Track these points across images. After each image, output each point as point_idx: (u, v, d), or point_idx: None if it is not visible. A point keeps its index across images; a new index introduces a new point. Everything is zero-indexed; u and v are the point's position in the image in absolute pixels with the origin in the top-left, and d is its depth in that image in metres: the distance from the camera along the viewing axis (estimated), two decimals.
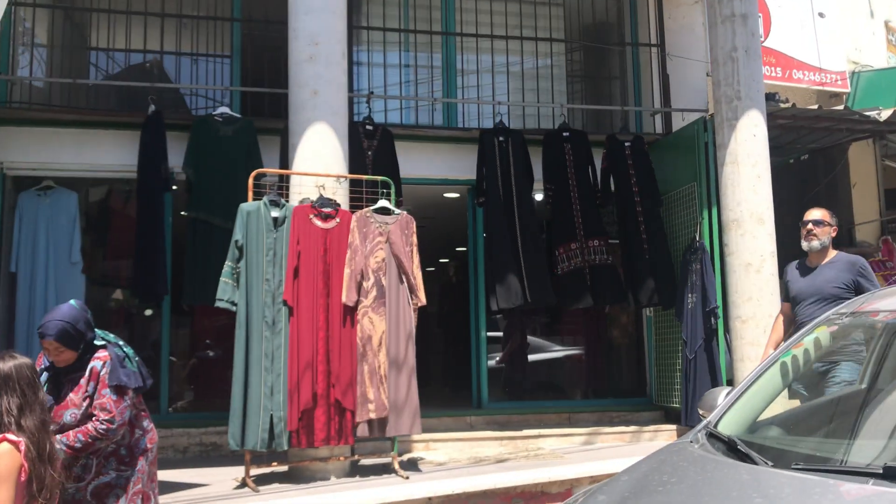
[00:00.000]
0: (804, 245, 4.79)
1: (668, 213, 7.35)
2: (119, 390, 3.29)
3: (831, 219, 4.81)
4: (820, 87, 9.10)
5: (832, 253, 4.75)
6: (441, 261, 13.32)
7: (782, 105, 7.51)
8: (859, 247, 8.99)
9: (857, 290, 4.48)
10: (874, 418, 3.08)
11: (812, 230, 4.75)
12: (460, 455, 6.19)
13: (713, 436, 2.85)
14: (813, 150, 9.39)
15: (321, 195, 5.36)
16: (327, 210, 5.33)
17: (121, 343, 3.49)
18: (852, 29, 9.73)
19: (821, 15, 9.25)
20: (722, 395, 3.24)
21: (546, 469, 5.45)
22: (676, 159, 7.27)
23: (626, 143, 7.15)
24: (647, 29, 8.34)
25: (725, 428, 2.94)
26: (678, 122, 7.75)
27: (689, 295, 6.71)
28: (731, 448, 2.67)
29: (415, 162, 7.44)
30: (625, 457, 4.49)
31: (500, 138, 6.94)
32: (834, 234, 4.81)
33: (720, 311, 6.54)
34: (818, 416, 3.36)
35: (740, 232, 6.47)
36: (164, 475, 5.38)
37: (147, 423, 3.55)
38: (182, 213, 6.65)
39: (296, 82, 5.72)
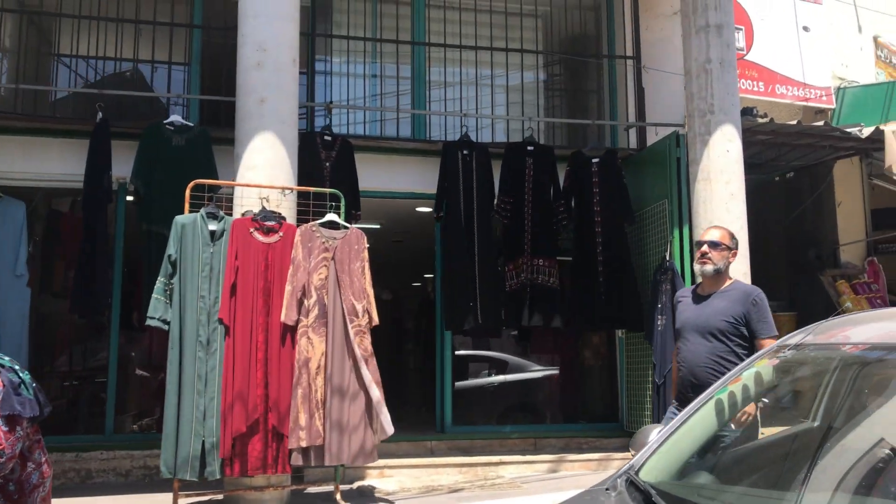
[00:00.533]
0: (696, 269, 4.24)
1: (639, 231, 7.08)
2: (11, 420, 3.00)
3: (731, 241, 4.21)
4: (804, 103, 8.84)
5: (728, 281, 4.18)
6: (427, 276, 13.06)
7: (760, 120, 7.26)
8: (844, 268, 8.71)
9: (747, 324, 3.99)
10: (822, 466, 2.79)
11: (707, 253, 4.13)
12: (414, 483, 5.90)
13: (634, 483, 2.57)
14: (798, 167, 9.13)
15: (264, 208, 5.10)
16: (270, 223, 5.07)
17: (16, 367, 3.20)
18: (839, 44, 9.48)
19: (805, 29, 9.00)
20: (654, 433, 2.95)
21: (499, 500, 5.17)
22: (648, 175, 7.01)
23: (595, 160, 6.88)
24: (624, 41, 8.09)
25: (650, 473, 2.65)
26: (654, 138, 7.49)
27: (659, 317, 6.42)
28: (648, 499, 2.39)
29: (380, 174, 7.20)
30: (587, 486, 4.17)
31: (465, 152, 6.69)
32: (732, 260, 4.23)
33: None
34: (759, 458, 3.08)
35: None
36: (95, 502, 5.12)
37: (40, 456, 3.28)
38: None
39: (243, 90, 5.49)
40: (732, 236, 4.25)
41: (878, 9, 9.94)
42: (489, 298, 6.47)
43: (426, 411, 9.37)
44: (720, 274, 4.12)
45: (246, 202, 5.21)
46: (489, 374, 9.39)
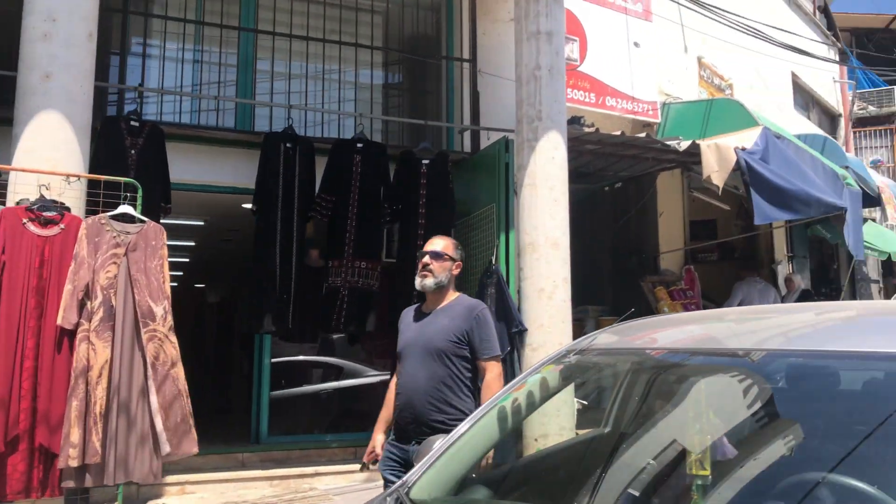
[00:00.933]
0: (417, 282, 3.77)
1: (468, 234, 7.02)
2: None
3: (455, 252, 3.82)
4: (633, 116, 9.18)
5: (452, 295, 3.79)
6: None
7: (587, 129, 7.40)
8: (663, 275, 9.11)
9: (470, 342, 3.63)
10: (611, 473, 2.71)
11: (428, 264, 3.72)
12: (217, 500, 5.47)
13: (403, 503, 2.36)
14: (625, 178, 9.47)
15: (42, 196, 4.52)
16: (49, 214, 4.49)
17: None
18: (666, 61, 9.94)
19: (636, 44, 9.36)
20: (437, 444, 2.77)
21: None
22: (479, 179, 6.96)
23: (425, 161, 6.74)
24: (462, 44, 8.03)
25: (423, 490, 2.44)
26: (488, 142, 7.47)
27: None
28: None
29: (199, 167, 6.73)
30: None
31: (288, 145, 6.33)
32: (456, 272, 3.82)
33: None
34: (544, 468, 2.98)
35: (535, 256, 6.20)
36: None
37: None
38: None
39: (25, 63, 4.85)
40: (457, 247, 3.90)
41: (703, 30, 10.53)
42: (304, 301, 6.16)
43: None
44: (443, 288, 3.74)
45: (22, 189, 4.59)
46: (323, 381, 9.06)
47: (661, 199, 9.43)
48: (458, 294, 3.85)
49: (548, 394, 2.86)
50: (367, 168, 6.57)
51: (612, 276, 9.74)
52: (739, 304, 9.68)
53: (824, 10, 16.57)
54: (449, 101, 7.96)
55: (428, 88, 8.46)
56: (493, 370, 3.66)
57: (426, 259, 3.75)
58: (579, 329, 8.26)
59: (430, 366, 3.60)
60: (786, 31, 12.49)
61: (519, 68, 6.63)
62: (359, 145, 6.59)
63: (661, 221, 9.38)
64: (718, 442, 2.33)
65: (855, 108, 18.18)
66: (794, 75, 14.08)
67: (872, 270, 16.44)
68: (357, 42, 7.68)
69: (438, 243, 3.83)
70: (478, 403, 3.57)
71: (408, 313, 3.91)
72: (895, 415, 1.92)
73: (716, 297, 10.30)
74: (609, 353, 2.86)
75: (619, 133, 7.44)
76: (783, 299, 10.28)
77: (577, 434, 5.90)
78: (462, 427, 2.68)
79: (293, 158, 6.30)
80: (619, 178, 9.40)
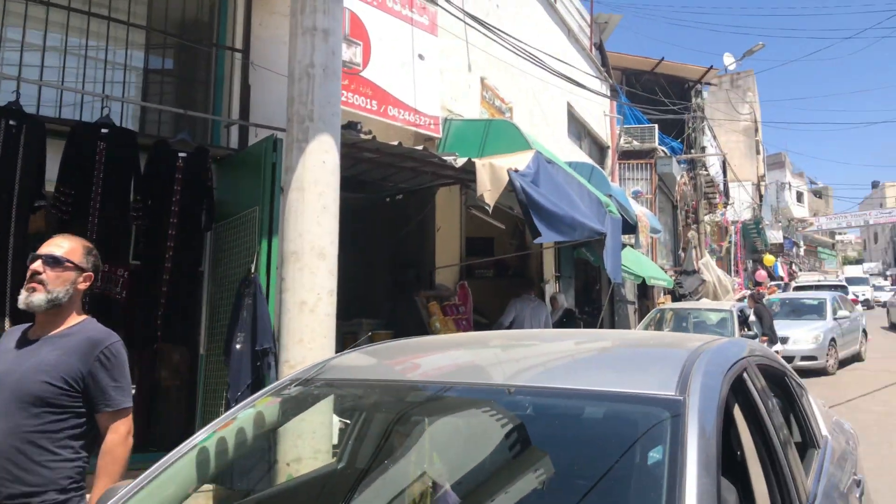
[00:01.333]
0: (21, 299, 2.78)
1: (230, 238, 6.45)
2: None
3: (84, 259, 2.88)
4: (415, 128, 9.08)
5: (75, 319, 2.86)
6: None
7: (364, 136, 7.13)
8: (438, 290, 9.08)
9: (87, 388, 2.73)
10: None
11: (39, 273, 2.77)
12: None
13: None
14: (405, 190, 9.36)
15: None
16: None
17: None
18: (450, 77, 9.99)
19: (421, 57, 9.28)
20: (123, 492, 2.28)
21: None
22: (243, 179, 6.41)
23: (182, 154, 6.09)
24: (234, 33, 7.44)
25: None
26: (256, 139, 6.94)
27: (238, 333, 5.83)
28: None
29: None
30: None
31: (12, 122, 5.39)
32: (84, 286, 2.89)
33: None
34: None
35: (299, 266, 5.76)
36: None
37: None
38: None
39: None
40: (89, 252, 2.93)
41: (487, 51, 10.74)
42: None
43: None
44: (59, 307, 2.79)
45: None
46: None
47: (439, 215, 9.43)
48: (83, 318, 2.90)
49: (263, 431, 2.48)
50: (113, 158, 5.79)
51: (388, 289, 9.58)
52: (512, 320, 9.97)
53: (599, 48, 17.84)
54: (217, 92, 7.32)
55: (195, 77, 7.75)
56: (118, 429, 2.77)
57: (37, 265, 2.77)
58: (352, 342, 7.98)
59: (13, 416, 2.61)
60: (564, 62, 13.18)
61: (292, 64, 6.19)
62: (104, 131, 5.79)
63: (438, 236, 9.37)
64: (443, 491, 2.08)
65: (621, 141, 19.76)
66: (569, 105, 14.93)
67: (629, 292, 17.91)
68: (110, 16, 6.80)
69: (61, 244, 2.85)
70: (90, 471, 2.79)
71: (10, 335, 2.88)
72: (619, 462, 1.77)
73: (490, 312, 10.51)
74: (335, 384, 2.53)
75: (396, 143, 7.25)
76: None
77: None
78: (153, 470, 2.22)
79: (17, 139, 5.37)
80: (399, 191, 9.26)
